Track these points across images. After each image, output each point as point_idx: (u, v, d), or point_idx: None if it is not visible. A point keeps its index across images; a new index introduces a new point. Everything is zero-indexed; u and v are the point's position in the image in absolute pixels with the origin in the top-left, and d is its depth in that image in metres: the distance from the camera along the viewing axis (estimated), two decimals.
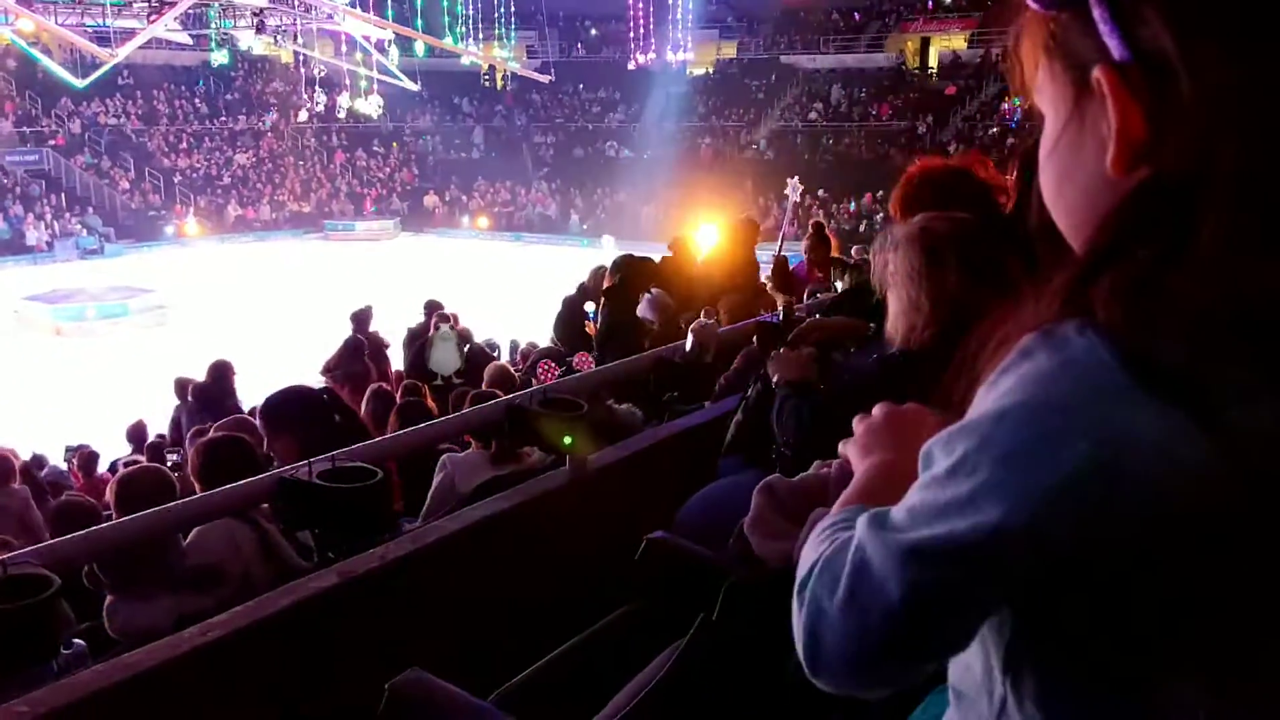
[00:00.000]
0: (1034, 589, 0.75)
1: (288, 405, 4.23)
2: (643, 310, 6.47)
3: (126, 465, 8.14)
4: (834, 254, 7.27)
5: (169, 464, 6.76)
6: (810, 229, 7.43)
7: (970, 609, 0.78)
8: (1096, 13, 0.71)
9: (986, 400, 0.74)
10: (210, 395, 8.75)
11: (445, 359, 9.19)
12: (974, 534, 0.72)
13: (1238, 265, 0.66)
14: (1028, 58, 0.81)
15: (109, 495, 3.71)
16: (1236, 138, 0.66)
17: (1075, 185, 0.78)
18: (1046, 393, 0.70)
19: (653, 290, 6.45)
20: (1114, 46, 0.70)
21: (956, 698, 0.91)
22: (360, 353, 9.52)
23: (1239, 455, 0.65)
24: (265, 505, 3.28)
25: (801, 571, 0.88)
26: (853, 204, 30.82)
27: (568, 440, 3.42)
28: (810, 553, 0.89)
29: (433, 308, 10.35)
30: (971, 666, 0.87)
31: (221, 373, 9.00)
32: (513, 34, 36.75)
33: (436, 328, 9.51)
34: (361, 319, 10.10)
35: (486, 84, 42.32)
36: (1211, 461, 0.66)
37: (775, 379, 2.72)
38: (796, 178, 7.48)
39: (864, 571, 0.80)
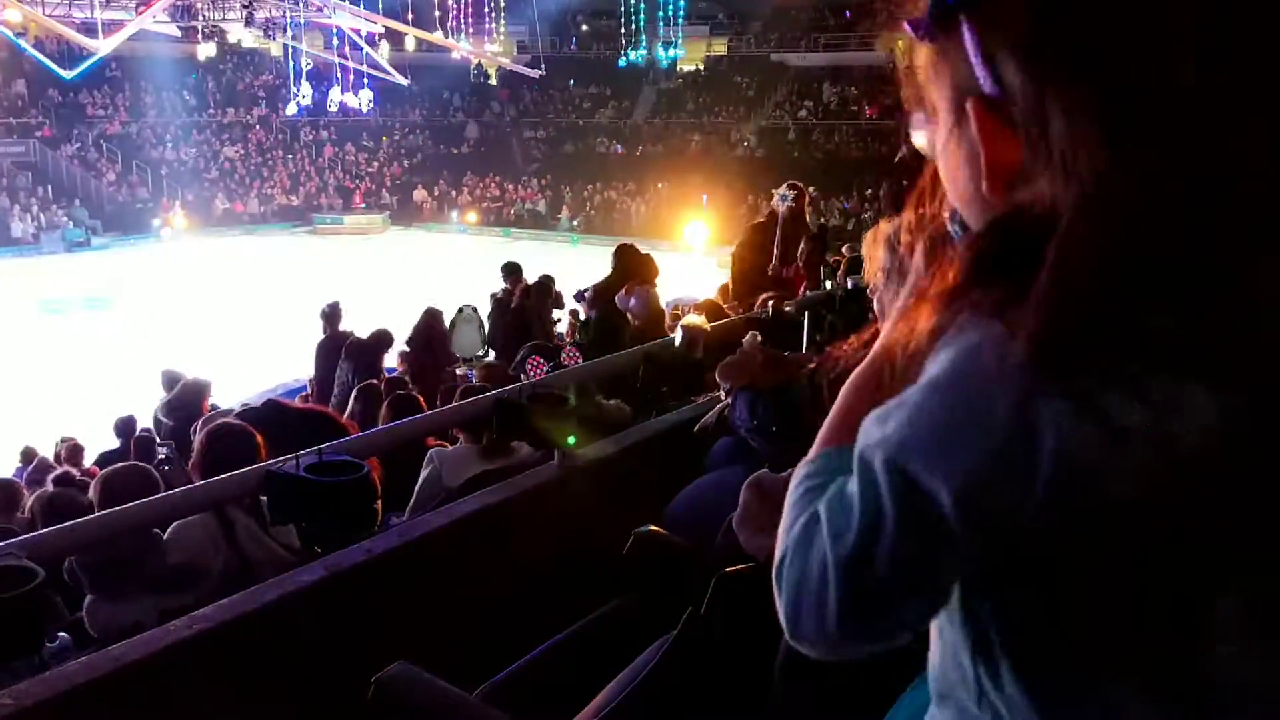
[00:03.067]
0: (986, 575, 0.79)
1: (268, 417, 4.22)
2: (624, 300, 6.48)
3: (110, 460, 8.12)
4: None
5: (159, 458, 6.72)
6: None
7: (926, 572, 0.80)
8: (969, 51, 0.76)
9: (920, 378, 0.79)
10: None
11: (467, 341, 9.17)
12: (926, 501, 0.76)
13: (1083, 289, 0.70)
14: (929, 89, 0.85)
15: (92, 493, 3.68)
16: (1080, 179, 0.71)
17: (959, 194, 0.85)
18: (965, 374, 0.74)
19: (644, 288, 6.46)
20: (984, 82, 0.75)
21: (939, 699, 0.92)
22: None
23: (1118, 446, 0.69)
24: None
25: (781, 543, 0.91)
26: (847, 203, 30.85)
27: (571, 440, 3.43)
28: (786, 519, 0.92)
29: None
30: (947, 667, 0.89)
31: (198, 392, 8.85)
32: (503, 29, 36.66)
33: (460, 310, 9.43)
34: (332, 315, 9.91)
35: (476, 79, 42.23)
36: (1098, 449, 0.70)
37: (724, 388, 2.77)
38: (784, 186, 7.54)
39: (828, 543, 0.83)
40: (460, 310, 9.48)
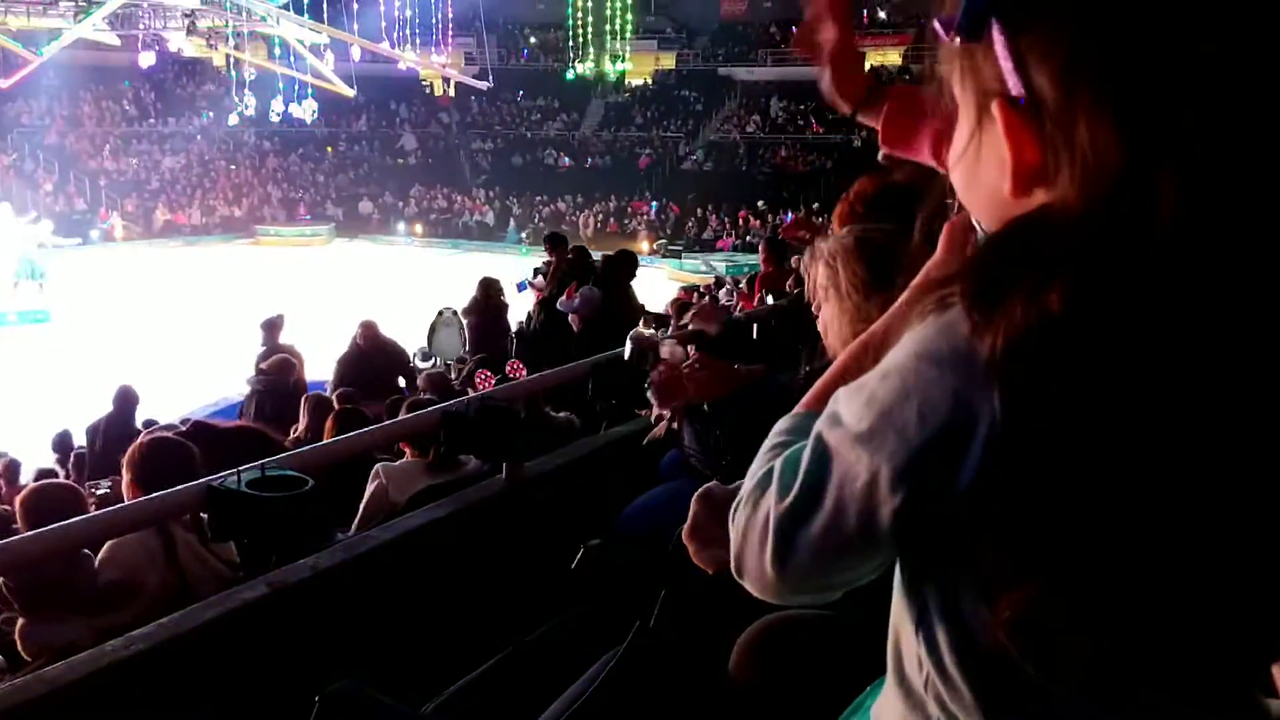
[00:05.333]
0: (926, 554, 0.85)
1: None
2: (565, 304, 6.48)
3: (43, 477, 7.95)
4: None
5: (101, 492, 6.53)
6: (763, 244, 7.57)
7: (854, 542, 0.85)
8: (999, 53, 0.77)
9: (890, 354, 0.84)
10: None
11: (447, 345, 9.13)
12: (864, 475, 0.82)
13: (1065, 306, 0.72)
14: (953, 75, 0.86)
15: (17, 511, 3.57)
16: (1095, 192, 0.74)
17: (979, 195, 0.87)
18: (918, 359, 0.79)
19: (586, 288, 6.47)
20: (1012, 85, 0.77)
21: (893, 676, 0.95)
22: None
23: (1052, 447, 0.73)
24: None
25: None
26: (789, 215, 31.10)
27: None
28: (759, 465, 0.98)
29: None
30: (898, 644, 0.92)
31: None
32: (450, 39, 36.48)
33: (440, 313, 9.40)
34: (272, 326, 9.78)
35: (426, 89, 42.00)
36: (1029, 449, 0.74)
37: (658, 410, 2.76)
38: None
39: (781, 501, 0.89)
40: (440, 313, 9.42)
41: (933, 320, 0.79)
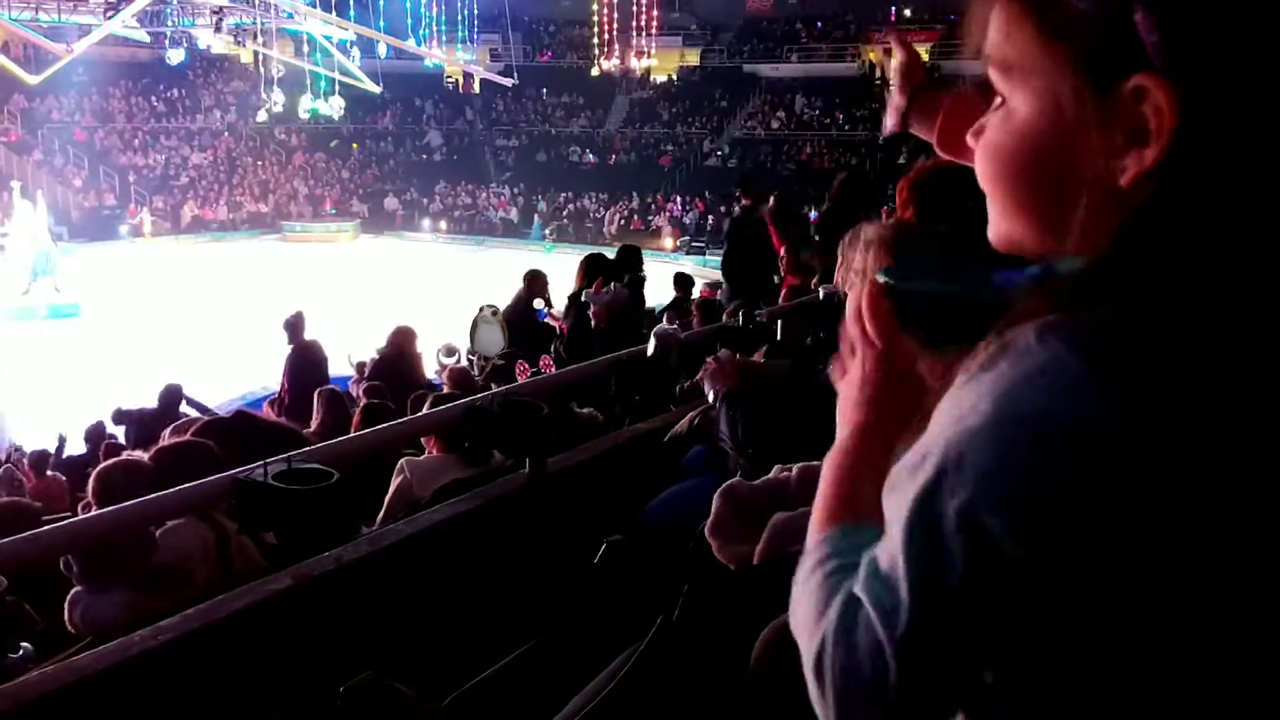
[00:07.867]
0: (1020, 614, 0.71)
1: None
2: (592, 295, 6.49)
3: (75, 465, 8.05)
4: None
5: None
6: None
7: (991, 629, 0.73)
8: (1141, 22, 0.68)
9: (953, 414, 0.71)
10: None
11: (490, 340, 9.21)
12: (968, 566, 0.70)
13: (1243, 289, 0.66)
14: (1010, 48, 0.77)
15: (90, 488, 3.63)
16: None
17: (1071, 192, 0.75)
18: (1015, 405, 0.67)
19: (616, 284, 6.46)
20: (1156, 57, 0.68)
21: None
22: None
23: (1179, 485, 0.64)
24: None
25: (803, 621, 0.83)
26: (813, 212, 30.99)
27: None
28: (808, 605, 0.83)
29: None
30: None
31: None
32: (475, 36, 36.59)
33: (480, 310, 9.45)
34: (295, 325, 9.80)
35: (450, 85, 42.15)
36: (1160, 488, 0.64)
37: (710, 392, 2.76)
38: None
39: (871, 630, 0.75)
40: (480, 310, 9.46)
41: (1012, 366, 0.69)
